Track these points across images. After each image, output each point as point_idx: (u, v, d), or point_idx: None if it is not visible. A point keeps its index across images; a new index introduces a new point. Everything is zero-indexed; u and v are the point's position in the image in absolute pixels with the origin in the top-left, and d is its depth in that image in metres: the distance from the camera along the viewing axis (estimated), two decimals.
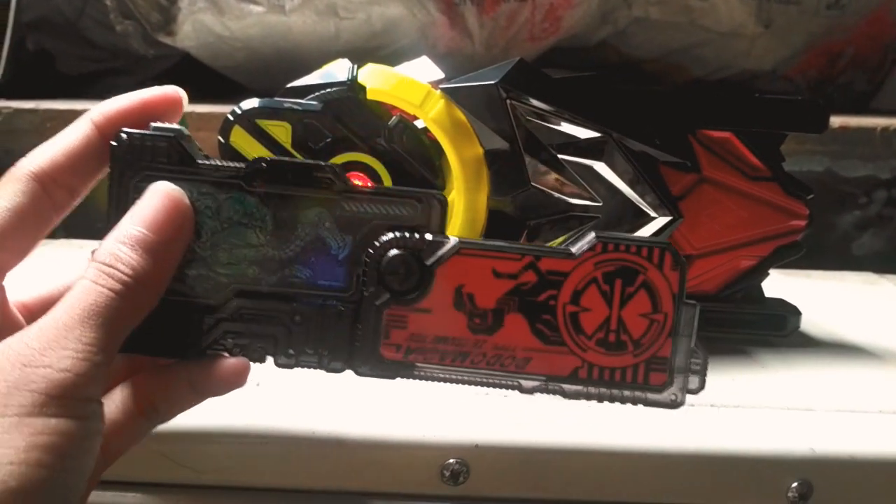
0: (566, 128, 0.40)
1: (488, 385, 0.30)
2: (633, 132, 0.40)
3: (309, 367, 0.30)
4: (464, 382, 0.30)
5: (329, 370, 0.30)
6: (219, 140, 0.41)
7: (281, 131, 0.41)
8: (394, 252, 0.29)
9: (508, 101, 0.40)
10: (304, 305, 0.30)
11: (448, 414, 0.35)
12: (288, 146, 0.41)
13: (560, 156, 0.40)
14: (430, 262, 0.29)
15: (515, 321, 0.29)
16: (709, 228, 0.43)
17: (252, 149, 0.41)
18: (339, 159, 0.42)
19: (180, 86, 0.32)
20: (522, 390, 0.30)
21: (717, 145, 0.43)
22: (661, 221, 0.40)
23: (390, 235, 0.29)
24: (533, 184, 0.40)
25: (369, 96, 0.41)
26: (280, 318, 0.30)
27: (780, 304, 0.46)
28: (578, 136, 0.40)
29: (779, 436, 0.35)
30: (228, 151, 0.41)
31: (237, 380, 0.31)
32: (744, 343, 0.45)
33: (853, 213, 0.72)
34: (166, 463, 0.34)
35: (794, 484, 0.34)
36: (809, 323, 0.48)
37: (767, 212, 0.44)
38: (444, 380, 0.30)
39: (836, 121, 0.69)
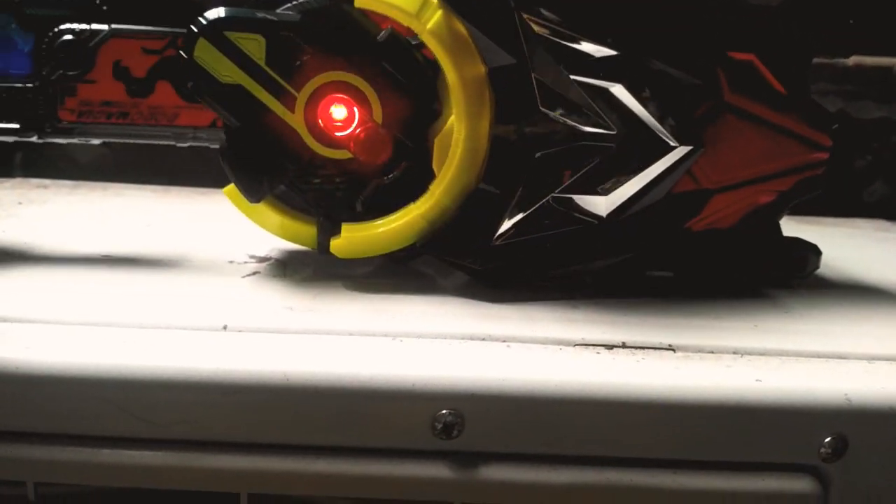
0: (581, 45, 0.35)
1: (149, 137, 0.40)
2: (655, 51, 0.36)
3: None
4: (129, 136, 0.40)
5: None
6: (180, 55, 0.36)
7: (253, 45, 0.36)
8: (66, 37, 0.39)
9: (517, 12, 0.35)
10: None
11: (440, 359, 0.31)
12: (262, 63, 0.36)
13: (573, 77, 0.35)
14: (91, 44, 0.39)
15: (164, 86, 0.40)
16: (729, 160, 0.39)
17: (220, 65, 0.36)
18: (320, 79, 0.37)
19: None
20: (178, 141, 0.41)
21: (740, 69, 0.39)
22: (681, 151, 0.36)
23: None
24: (541, 109, 0.36)
25: (357, 5, 0.36)
26: None
27: (799, 243, 0.42)
28: (594, 54, 0.35)
29: (810, 386, 0.31)
30: (192, 68, 0.36)
31: None
32: (761, 285, 0.41)
33: (865, 158, 0.68)
34: (119, 415, 0.30)
35: (828, 439, 0.31)
36: (828, 269, 0.45)
37: (790, 143, 0.40)
38: (114, 135, 0.40)
39: (850, 59, 0.65)
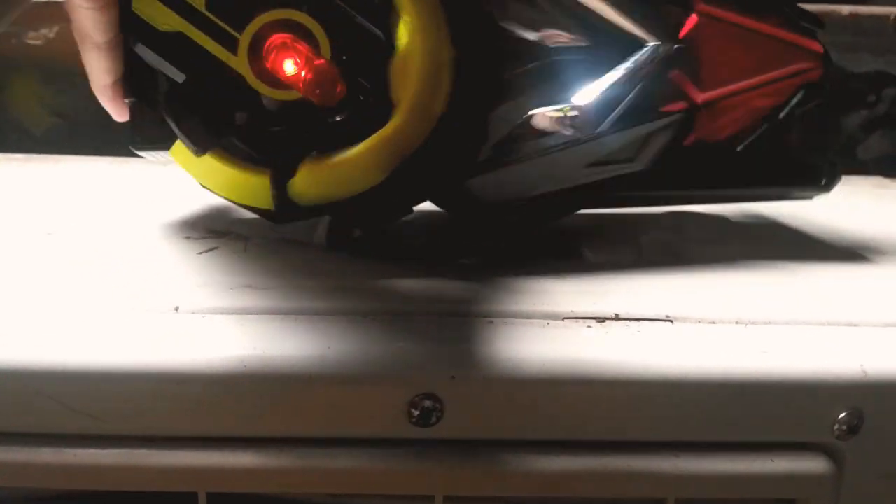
0: None
1: None
2: None
3: None
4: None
5: None
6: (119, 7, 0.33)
7: None
8: None
9: None
10: None
11: (415, 338, 0.28)
12: (201, 7, 0.33)
13: None
14: None
15: None
16: (716, 73, 0.36)
17: (158, 13, 0.33)
18: (266, 17, 0.33)
19: None
20: None
21: None
22: (656, 48, 0.33)
23: None
24: (501, 24, 0.32)
25: None
26: None
27: (810, 153, 0.40)
28: None
29: (822, 357, 0.29)
30: (132, 20, 0.33)
31: None
32: (774, 199, 0.39)
33: (860, 113, 0.65)
34: (57, 409, 0.26)
35: (843, 414, 0.28)
36: (829, 230, 0.42)
37: (778, 49, 0.37)
38: None
39: (845, 9, 0.62)
